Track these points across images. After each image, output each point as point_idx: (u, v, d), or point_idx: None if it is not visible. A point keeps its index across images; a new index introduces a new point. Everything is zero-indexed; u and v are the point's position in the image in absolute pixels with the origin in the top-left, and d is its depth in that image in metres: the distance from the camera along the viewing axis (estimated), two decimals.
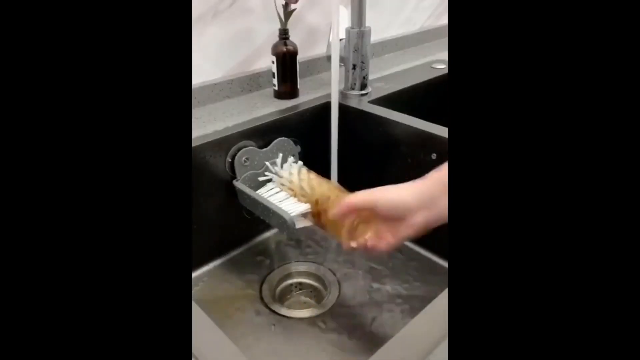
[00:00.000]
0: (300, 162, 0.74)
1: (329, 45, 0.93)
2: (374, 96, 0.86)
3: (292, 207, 0.66)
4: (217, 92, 0.84)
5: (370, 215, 0.53)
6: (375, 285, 0.74)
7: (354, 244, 0.54)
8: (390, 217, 0.51)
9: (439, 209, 0.49)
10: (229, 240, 0.80)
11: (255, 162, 0.73)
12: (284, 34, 0.81)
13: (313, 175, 0.68)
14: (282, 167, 0.73)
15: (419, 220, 0.49)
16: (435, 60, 1.07)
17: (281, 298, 0.74)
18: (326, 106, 0.78)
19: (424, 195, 0.49)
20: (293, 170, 0.70)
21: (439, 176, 0.49)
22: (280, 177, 0.71)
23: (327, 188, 0.65)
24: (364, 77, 0.86)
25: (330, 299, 0.71)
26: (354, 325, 0.67)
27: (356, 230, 0.55)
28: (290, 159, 0.75)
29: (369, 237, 0.53)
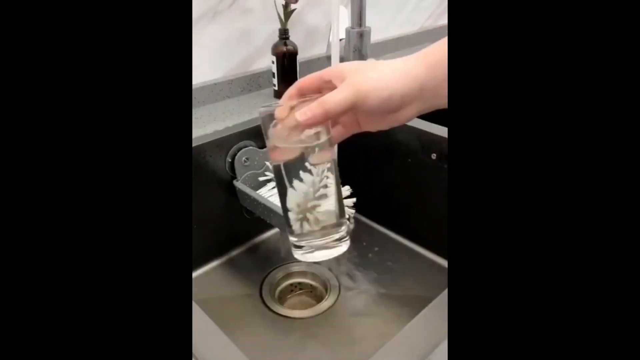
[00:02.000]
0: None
1: (329, 45, 0.93)
2: None
3: None
4: (217, 92, 0.84)
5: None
6: (375, 285, 0.74)
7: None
8: (379, 112, 0.40)
9: (431, 102, 0.39)
10: (229, 240, 0.80)
11: (255, 162, 0.73)
12: (284, 34, 0.81)
13: None
14: None
15: (411, 114, 0.40)
16: None
17: (281, 298, 0.74)
18: None
19: (415, 83, 0.38)
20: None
21: (426, 59, 0.38)
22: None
23: None
24: None
25: (330, 299, 0.71)
26: (354, 325, 0.67)
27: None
28: None
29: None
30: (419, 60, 0.38)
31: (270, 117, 0.39)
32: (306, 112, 0.37)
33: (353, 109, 0.38)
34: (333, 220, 0.42)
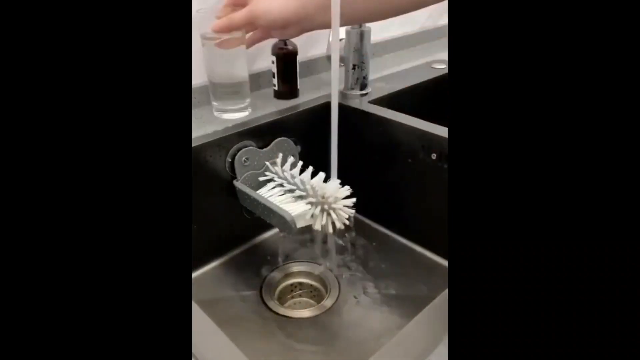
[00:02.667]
0: (301, 162, 0.74)
1: (329, 45, 0.93)
2: (374, 96, 0.86)
3: (292, 207, 0.66)
4: None
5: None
6: (375, 284, 0.74)
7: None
8: (270, 28, 0.60)
9: (309, 25, 0.57)
10: (229, 240, 0.80)
11: (255, 162, 0.73)
12: None
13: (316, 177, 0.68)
14: (282, 167, 0.73)
15: (291, 32, 0.59)
16: (435, 60, 1.07)
17: (281, 298, 0.74)
18: (326, 106, 0.78)
19: (302, 11, 0.56)
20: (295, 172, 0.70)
21: None
22: (283, 178, 0.71)
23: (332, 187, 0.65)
24: (364, 77, 0.86)
25: (330, 299, 0.71)
26: (354, 326, 0.67)
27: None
28: (290, 158, 0.75)
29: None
30: None
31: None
32: (219, 23, 0.60)
33: (251, 24, 0.60)
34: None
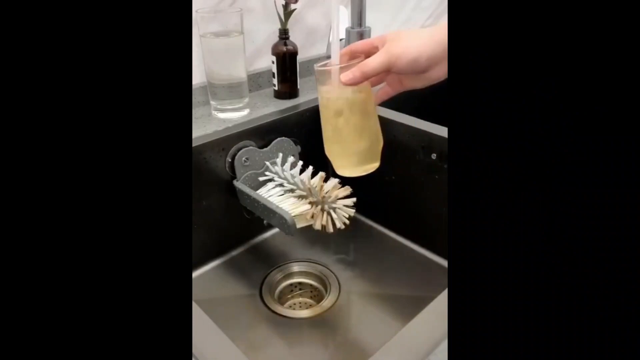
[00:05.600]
0: (310, 168, 0.74)
1: (329, 45, 0.93)
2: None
3: (292, 207, 0.66)
4: None
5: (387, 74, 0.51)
6: (375, 284, 0.74)
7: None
8: (411, 73, 0.48)
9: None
10: (229, 240, 0.80)
11: (256, 162, 0.74)
12: (284, 34, 0.81)
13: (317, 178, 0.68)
14: (282, 167, 0.73)
15: (440, 73, 0.47)
16: None
17: (281, 298, 0.74)
18: None
19: (439, 46, 0.45)
20: (305, 178, 0.70)
21: None
22: (283, 178, 0.71)
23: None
24: None
25: (330, 299, 0.71)
26: (354, 326, 0.67)
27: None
28: (290, 158, 0.75)
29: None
30: (444, 26, 0.44)
31: (322, 73, 0.49)
32: (348, 74, 0.47)
33: (386, 70, 0.47)
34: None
